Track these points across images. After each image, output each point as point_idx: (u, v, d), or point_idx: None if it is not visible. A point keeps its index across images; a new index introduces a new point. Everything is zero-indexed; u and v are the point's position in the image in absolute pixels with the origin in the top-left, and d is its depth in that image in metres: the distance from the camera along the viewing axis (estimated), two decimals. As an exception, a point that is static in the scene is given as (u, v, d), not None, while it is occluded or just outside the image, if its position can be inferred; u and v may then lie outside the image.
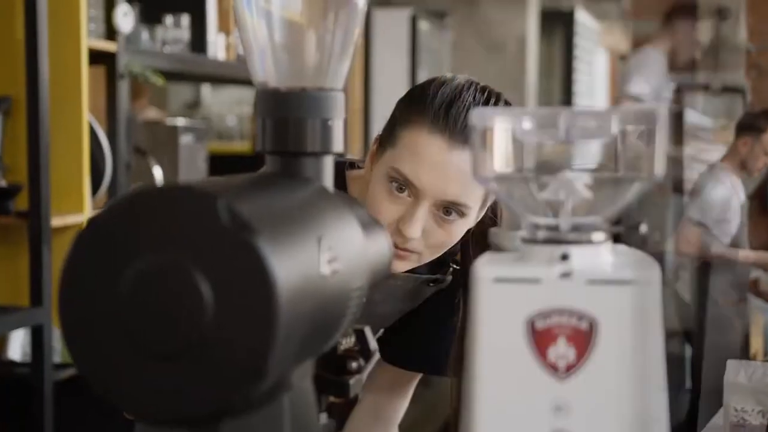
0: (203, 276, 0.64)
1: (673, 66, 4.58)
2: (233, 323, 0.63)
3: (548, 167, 0.75)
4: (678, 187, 4.50)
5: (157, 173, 2.99)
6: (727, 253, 4.23)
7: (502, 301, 0.71)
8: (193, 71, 3.20)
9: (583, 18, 7.67)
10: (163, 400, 0.64)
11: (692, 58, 4.47)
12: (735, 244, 4.24)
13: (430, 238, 1.27)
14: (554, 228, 0.74)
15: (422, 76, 6.38)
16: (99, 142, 2.63)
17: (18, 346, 2.66)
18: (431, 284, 1.43)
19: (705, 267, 4.37)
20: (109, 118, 2.73)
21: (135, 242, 0.65)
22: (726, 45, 9.29)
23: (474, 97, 1.26)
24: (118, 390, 0.65)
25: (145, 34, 3.00)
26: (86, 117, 2.56)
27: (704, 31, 4.82)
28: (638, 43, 9.98)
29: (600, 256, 0.72)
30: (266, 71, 0.86)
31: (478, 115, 0.73)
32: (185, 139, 3.16)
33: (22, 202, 2.46)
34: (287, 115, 0.84)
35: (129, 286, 0.64)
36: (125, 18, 2.70)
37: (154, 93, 4.19)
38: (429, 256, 1.30)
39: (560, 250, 0.72)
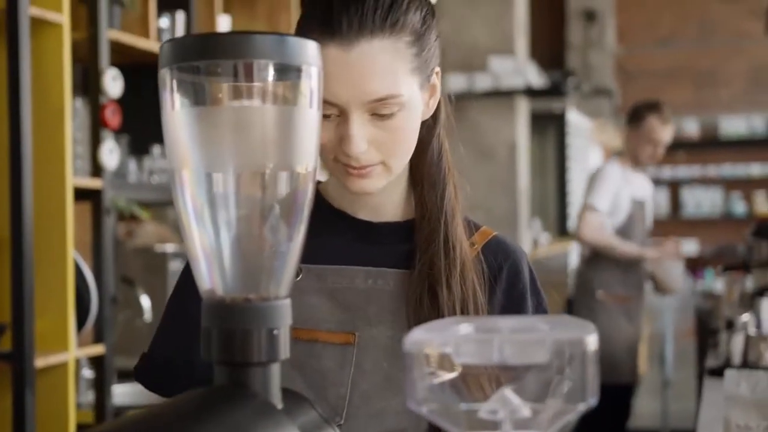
0: None
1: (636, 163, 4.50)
2: None
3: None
4: None
5: (145, 303, 3.00)
6: (614, 244, 4.26)
7: None
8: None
9: (574, 118, 7.77)
10: None
11: (654, 155, 4.40)
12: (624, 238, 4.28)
13: (381, 144, 1.17)
14: (494, 449, 0.73)
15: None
16: (84, 278, 2.64)
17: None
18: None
19: (591, 258, 4.35)
20: (95, 252, 2.74)
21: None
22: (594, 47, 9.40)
23: None
24: None
25: (132, 165, 3.04)
26: (71, 255, 2.57)
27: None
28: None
29: (540, 480, 0.72)
30: (212, 280, 0.86)
31: (412, 340, 0.74)
32: (174, 266, 3.17)
33: (5, 343, 2.46)
34: (233, 327, 0.84)
35: None
36: (111, 155, 2.74)
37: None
38: (397, 163, 1.20)
39: (499, 476, 0.71)
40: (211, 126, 0.85)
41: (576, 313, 4.48)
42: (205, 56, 0.82)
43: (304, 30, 1.18)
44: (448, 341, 0.74)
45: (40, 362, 2.47)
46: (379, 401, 1.25)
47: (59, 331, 2.54)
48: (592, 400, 0.72)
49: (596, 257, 4.26)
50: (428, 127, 1.27)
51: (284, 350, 0.85)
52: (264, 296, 0.85)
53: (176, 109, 0.84)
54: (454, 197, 1.29)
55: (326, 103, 1.15)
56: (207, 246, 0.86)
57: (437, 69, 1.25)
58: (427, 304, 1.24)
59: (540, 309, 1.33)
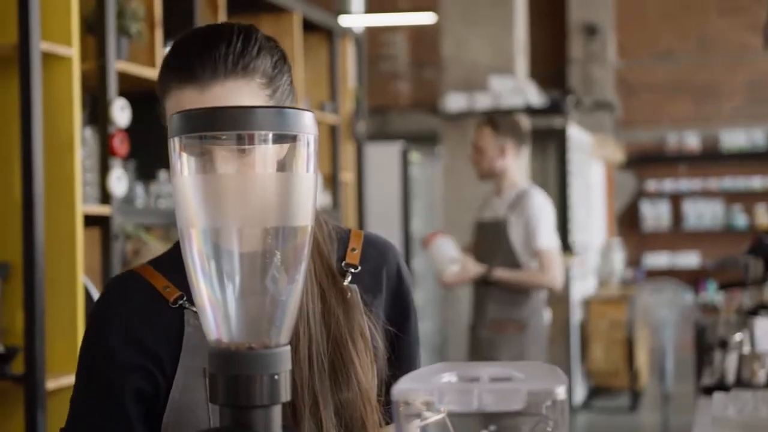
0: None
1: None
2: None
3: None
4: None
5: (152, 324, 3.07)
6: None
7: None
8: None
9: (575, 133, 7.84)
10: None
11: (480, 171, 4.17)
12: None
13: None
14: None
15: (415, 205, 6.53)
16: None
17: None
18: None
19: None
20: (104, 277, 2.83)
21: None
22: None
23: (207, 30, 1.26)
24: None
25: (140, 190, 3.12)
26: (81, 280, 2.65)
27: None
28: (632, 151, 10.18)
29: None
30: (219, 330, 0.94)
31: (399, 389, 0.81)
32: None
33: (18, 366, 2.54)
34: (237, 373, 0.92)
35: None
36: (119, 182, 2.82)
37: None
38: None
39: None
40: (216, 190, 0.93)
41: None
42: (211, 128, 0.91)
43: (164, 76, 1.26)
44: (432, 390, 0.82)
45: (51, 384, 2.55)
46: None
47: (70, 353, 2.62)
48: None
49: None
50: None
51: (285, 393, 0.93)
52: (266, 344, 0.93)
53: (184, 175, 0.92)
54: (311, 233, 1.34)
55: None
56: (213, 299, 0.94)
57: None
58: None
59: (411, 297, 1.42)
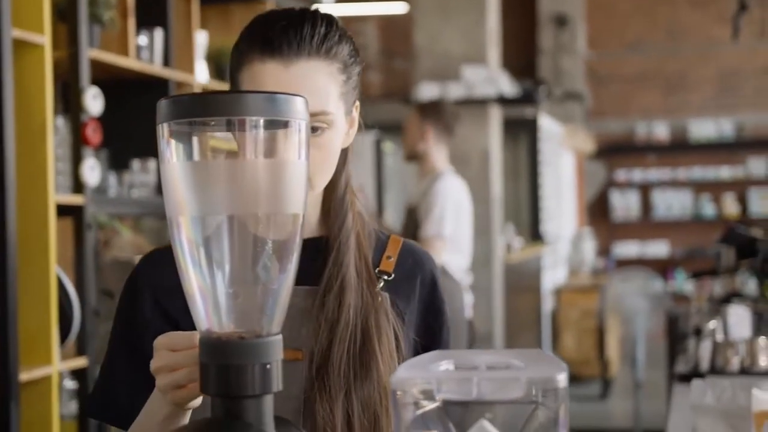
0: None
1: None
2: None
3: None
4: None
5: (126, 315, 3.03)
6: None
7: None
8: (160, 213, 3.29)
9: (546, 123, 7.86)
10: None
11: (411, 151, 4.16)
12: None
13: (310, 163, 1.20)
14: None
15: (389, 196, 6.54)
16: (67, 293, 2.69)
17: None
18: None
19: None
20: (76, 267, 2.79)
21: None
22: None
23: (290, 11, 1.28)
24: None
25: (113, 179, 3.09)
26: (54, 270, 2.62)
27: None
28: (602, 141, 10.23)
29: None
30: (209, 320, 0.93)
31: (397, 378, 0.80)
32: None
33: (-11, 358, 2.50)
34: (228, 362, 0.90)
35: None
36: (92, 172, 2.79)
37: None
38: (319, 181, 1.27)
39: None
40: (205, 177, 0.91)
41: None
42: (200, 114, 0.89)
43: (244, 48, 1.26)
44: (430, 379, 0.81)
45: (24, 376, 2.52)
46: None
47: (43, 345, 2.59)
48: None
49: None
50: (340, 161, 1.33)
51: (277, 382, 0.91)
52: (257, 333, 0.92)
53: (173, 162, 0.90)
54: (351, 225, 1.33)
55: None
56: (203, 287, 0.92)
57: (357, 103, 1.33)
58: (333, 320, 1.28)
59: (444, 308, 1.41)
